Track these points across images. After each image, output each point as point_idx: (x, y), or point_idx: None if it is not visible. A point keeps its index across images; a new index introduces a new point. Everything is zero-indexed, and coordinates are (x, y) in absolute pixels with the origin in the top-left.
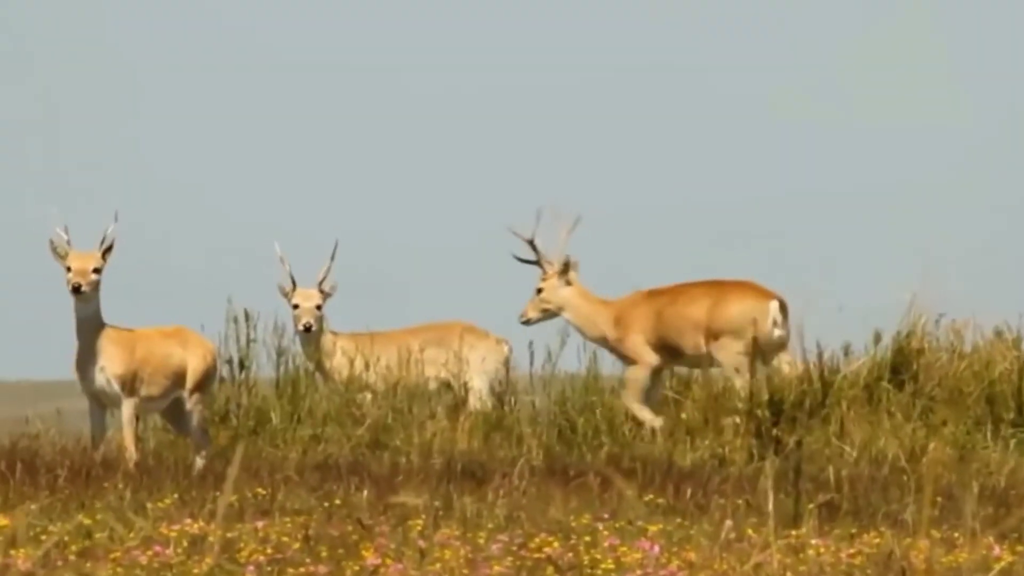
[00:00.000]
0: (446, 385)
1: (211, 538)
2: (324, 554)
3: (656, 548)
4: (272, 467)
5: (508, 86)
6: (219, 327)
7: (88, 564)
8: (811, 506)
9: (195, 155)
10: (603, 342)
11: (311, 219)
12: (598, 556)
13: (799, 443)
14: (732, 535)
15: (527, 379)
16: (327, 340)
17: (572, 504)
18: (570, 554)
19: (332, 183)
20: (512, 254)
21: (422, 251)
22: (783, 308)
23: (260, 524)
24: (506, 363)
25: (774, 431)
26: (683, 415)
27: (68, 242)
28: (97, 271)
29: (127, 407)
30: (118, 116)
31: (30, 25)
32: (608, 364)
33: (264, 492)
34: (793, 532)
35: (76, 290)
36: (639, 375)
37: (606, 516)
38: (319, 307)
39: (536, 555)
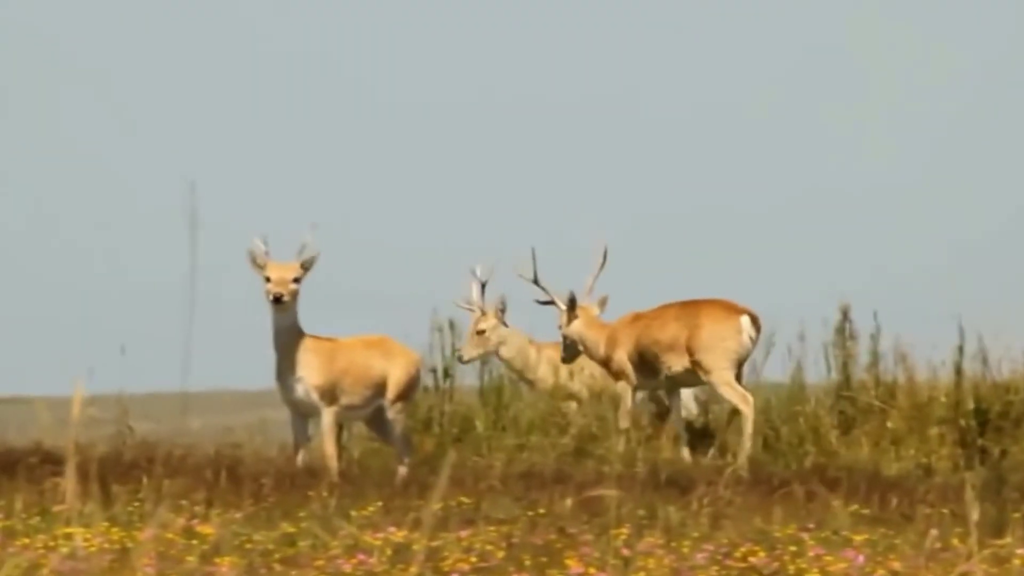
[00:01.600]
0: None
1: (416, 546)
2: (528, 563)
3: (861, 558)
4: (476, 475)
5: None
6: (424, 337)
7: (292, 572)
8: (1016, 515)
9: (379, 161)
10: (602, 363)
11: (496, 229)
12: (803, 565)
13: (1004, 452)
14: (937, 545)
15: None
16: (531, 351)
17: (777, 513)
18: (775, 563)
19: (515, 193)
20: (534, 299)
21: (617, 260)
22: (755, 322)
23: (464, 533)
24: None
25: (980, 440)
26: (888, 424)
27: (267, 252)
28: (296, 280)
29: (327, 416)
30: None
31: (104, 33)
32: (813, 374)
33: (468, 501)
34: (998, 542)
35: (277, 300)
36: (625, 392)
37: (811, 526)
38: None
39: (741, 564)
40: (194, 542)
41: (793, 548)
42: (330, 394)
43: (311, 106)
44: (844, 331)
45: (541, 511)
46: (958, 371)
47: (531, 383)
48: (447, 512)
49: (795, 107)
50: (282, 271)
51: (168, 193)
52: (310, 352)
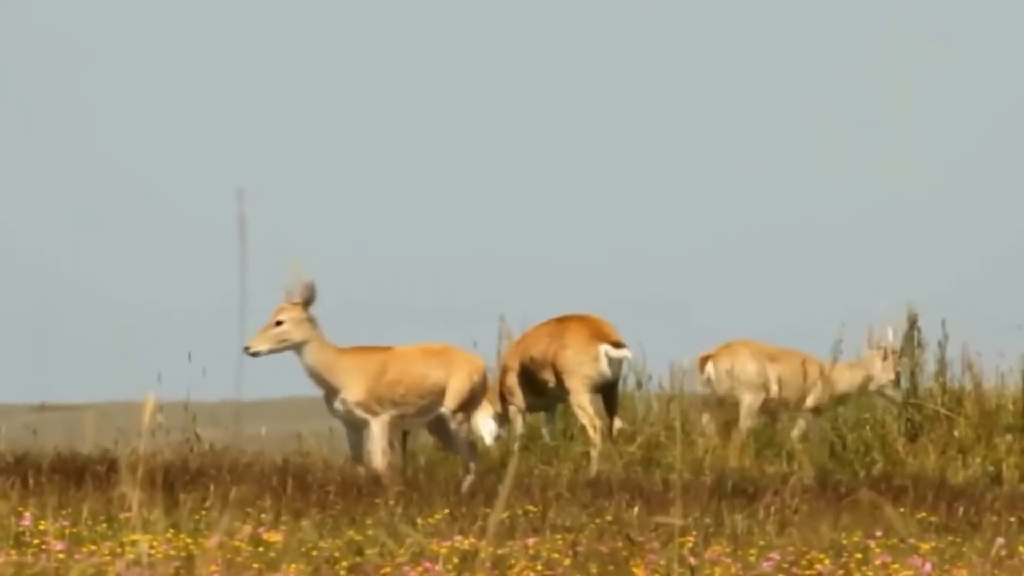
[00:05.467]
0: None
1: (482, 555)
2: (594, 571)
3: (928, 566)
4: (543, 484)
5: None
6: (493, 345)
7: None
8: None
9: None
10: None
11: (554, 239)
12: (870, 573)
13: None
14: (1003, 553)
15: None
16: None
17: (843, 521)
18: (841, 571)
19: (597, 202)
20: None
21: (693, 270)
22: (617, 347)
23: (531, 541)
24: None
25: None
26: (955, 432)
27: (290, 294)
28: (282, 322)
29: (375, 426)
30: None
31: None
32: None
33: (535, 509)
34: None
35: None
36: (515, 417)
37: (878, 534)
38: None
39: (807, 572)
40: (260, 549)
41: (859, 556)
42: (376, 405)
43: (360, 122)
44: (912, 339)
45: (608, 519)
46: None
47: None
48: (514, 520)
49: (849, 119)
50: (274, 316)
51: (228, 201)
52: (349, 370)
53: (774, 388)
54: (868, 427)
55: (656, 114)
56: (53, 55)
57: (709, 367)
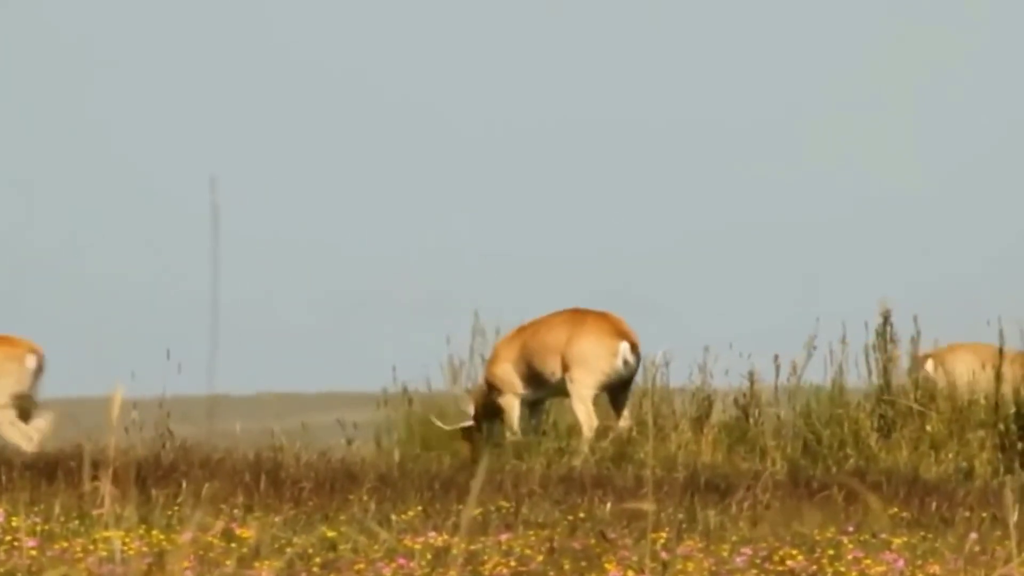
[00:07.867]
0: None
1: (455, 551)
2: (567, 567)
3: (900, 561)
4: (516, 480)
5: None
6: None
7: None
8: None
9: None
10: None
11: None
12: (842, 569)
13: None
14: (976, 548)
15: (771, 391)
16: None
17: (816, 517)
18: (814, 567)
19: (588, 200)
20: None
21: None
22: (634, 349)
23: (504, 537)
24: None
25: (1019, 444)
26: (928, 428)
27: None
28: None
29: None
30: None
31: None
32: (854, 376)
33: (508, 505)
34: None
35: None
36: (511, 403)
37: (850, 529)
38: None
39: (780, 568)
40: (233, 545)
41: (831, 551)
42: None
43: (338, 116)
44: (885, 335)
45: (581, 515)
46: (998, 375)
47: None
48: (487, 516)
49: (834, 119)
50: None
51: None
52: None
53: (1005, 388)
54: (844, 423)
55: (644, 112)
56: (50, 50)
57: (929, 365)
